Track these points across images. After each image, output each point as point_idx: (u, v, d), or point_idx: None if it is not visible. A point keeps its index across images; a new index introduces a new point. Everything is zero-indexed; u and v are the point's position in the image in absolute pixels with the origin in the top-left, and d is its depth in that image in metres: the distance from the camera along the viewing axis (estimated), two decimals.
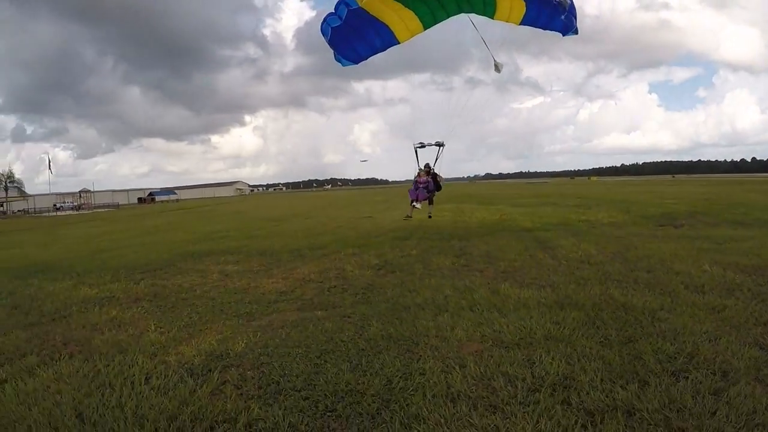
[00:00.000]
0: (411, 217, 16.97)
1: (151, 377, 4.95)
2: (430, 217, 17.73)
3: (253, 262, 12.32)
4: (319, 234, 18.56)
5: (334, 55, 12.05)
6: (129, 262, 13.59)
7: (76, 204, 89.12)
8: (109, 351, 5.79)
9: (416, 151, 15.33)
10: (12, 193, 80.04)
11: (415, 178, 15.84)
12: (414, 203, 15.93)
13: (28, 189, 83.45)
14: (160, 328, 6.77)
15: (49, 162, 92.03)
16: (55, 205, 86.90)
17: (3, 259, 16.70)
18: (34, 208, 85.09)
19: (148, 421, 4.04)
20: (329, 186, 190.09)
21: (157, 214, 50.42)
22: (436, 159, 15.52)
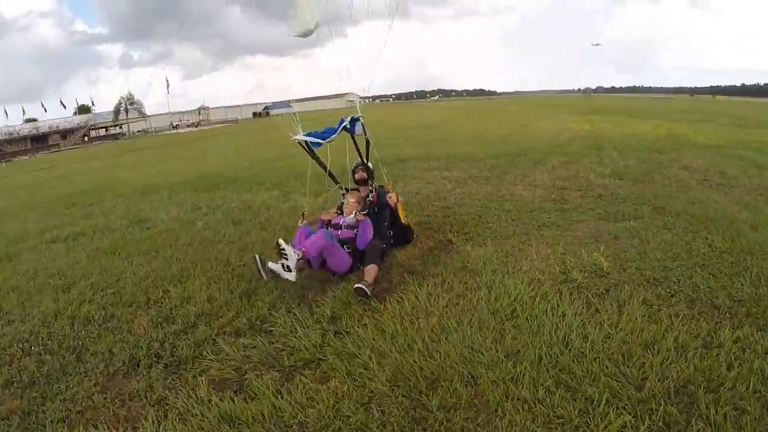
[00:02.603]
0: None
1: (551, 303, 4.04)
2: (363, 292, 4.39)
3: (466, 168, 11.57)
4: (497, 142, 17.20)
5: None
6: (318, 170, 12.59)
7: (193, 122, 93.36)
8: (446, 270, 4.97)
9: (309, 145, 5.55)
10: (132, 114, 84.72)
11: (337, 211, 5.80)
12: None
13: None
14: (467, 241, 5.95)
15: (167, 82, 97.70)
16: (171, 124, 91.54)
17: (161, 173, 16.74)
18: (153, 128, 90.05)
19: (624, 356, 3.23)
20: (438, 97, 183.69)
21: (286, 127, 50.73)
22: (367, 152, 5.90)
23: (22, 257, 7.47)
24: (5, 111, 79.05)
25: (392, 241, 5.74)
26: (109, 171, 22.15)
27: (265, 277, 4.94)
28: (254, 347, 3.79)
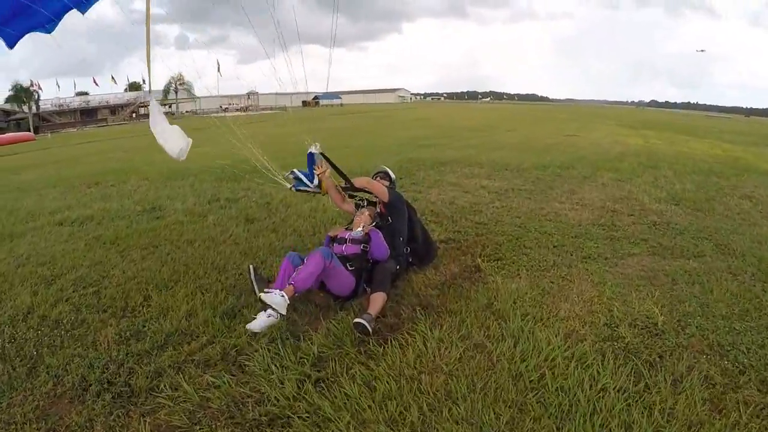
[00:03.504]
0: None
1: (591, 371, 3.22)
2: (363, 329, 3.65)
3: (509, 178, 10.90)
4: (544, 151, 16.41)
5: None
6: (352, 166, 11.97)
7: (242, 106, 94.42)
8: (467, 308, 4.18)
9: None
10: (181, 95, 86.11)
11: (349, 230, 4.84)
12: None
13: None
14: (499, 269, 5.17)
15: (218, 66, 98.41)
16: (221, 107, 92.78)
17: (195, 157, 16.36)
18: (202, 110, 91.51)
19: None
20: (489, 99, 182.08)
21: (333, 117, 50.26)
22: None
23: (25, 238, 7.11)
24: (57, 83, 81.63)
25: (410, 260, 5.03)
26: (146, 151, 22.10)
27: (257, 292, 4.34)
28: (218, 387, 3.15)
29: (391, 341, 3.56)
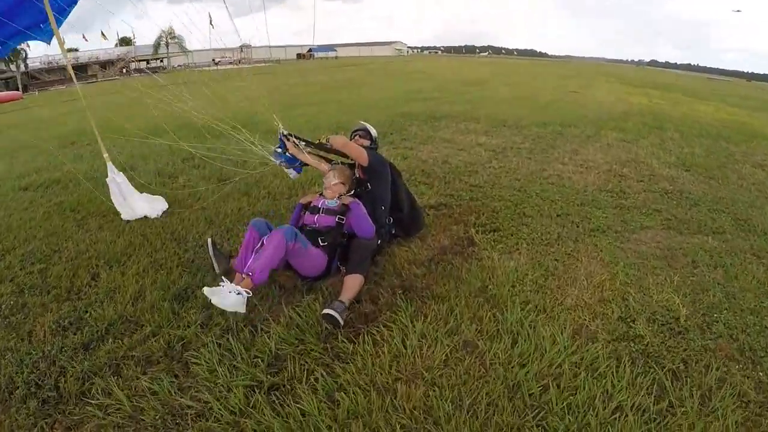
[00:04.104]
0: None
1: (604, 383, 2.69)
2: (333, 321, 3.09)
3: (508, 135, 10.22)
4: (544, 107, 15.63)
5: None
6: (340, 121, 11.36)
7: (235, 59, 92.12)
8: (458, 292, 3.61)
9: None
10: (173, 49, 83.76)
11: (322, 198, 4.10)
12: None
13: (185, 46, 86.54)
14: (495, 242, 4.54)
15: (210, 19, 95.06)
16: (213, 60, 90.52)
17: (180, 113, 15.62)
18: (194, 63, 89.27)
19: None
20: (488, 53, 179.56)
21: (328, 70, 48.59)
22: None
23: None
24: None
25: (393, 231, 4.41)
26: (130, 107, 21.30)
27: (217, 269, 3.79)
28: (155, 394, 2.62)
29: (364, 335, 3.00)
